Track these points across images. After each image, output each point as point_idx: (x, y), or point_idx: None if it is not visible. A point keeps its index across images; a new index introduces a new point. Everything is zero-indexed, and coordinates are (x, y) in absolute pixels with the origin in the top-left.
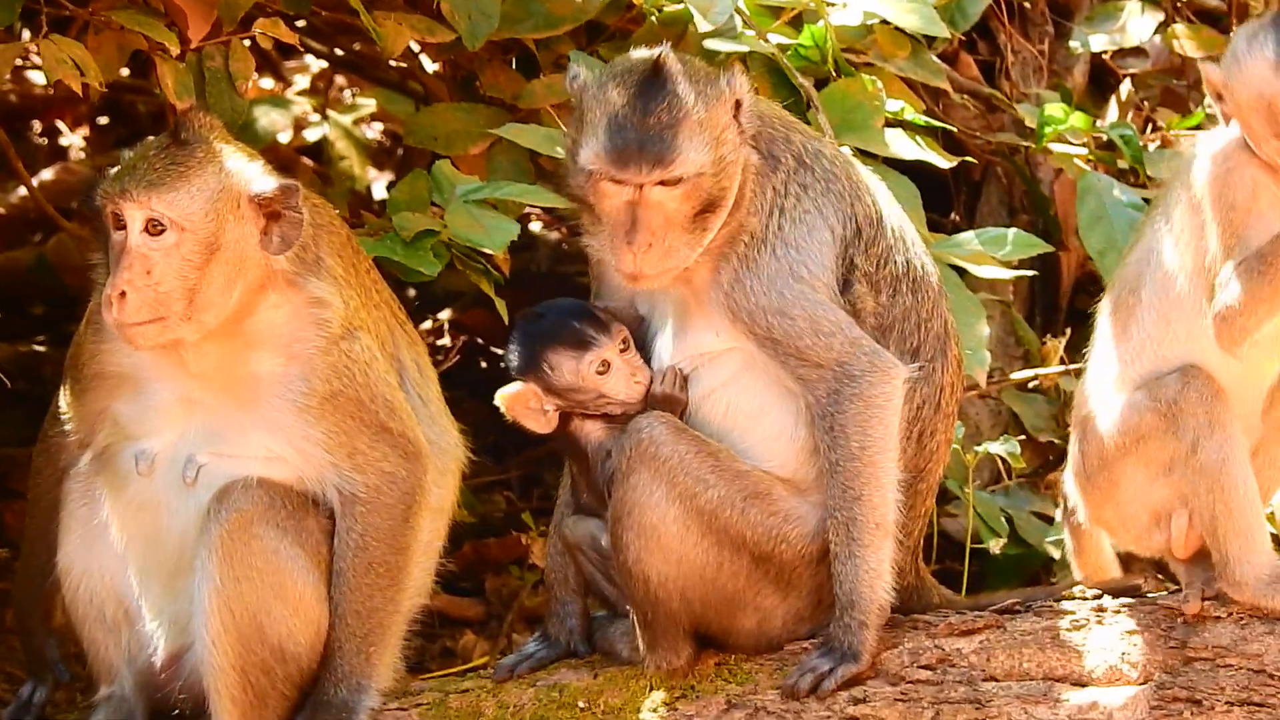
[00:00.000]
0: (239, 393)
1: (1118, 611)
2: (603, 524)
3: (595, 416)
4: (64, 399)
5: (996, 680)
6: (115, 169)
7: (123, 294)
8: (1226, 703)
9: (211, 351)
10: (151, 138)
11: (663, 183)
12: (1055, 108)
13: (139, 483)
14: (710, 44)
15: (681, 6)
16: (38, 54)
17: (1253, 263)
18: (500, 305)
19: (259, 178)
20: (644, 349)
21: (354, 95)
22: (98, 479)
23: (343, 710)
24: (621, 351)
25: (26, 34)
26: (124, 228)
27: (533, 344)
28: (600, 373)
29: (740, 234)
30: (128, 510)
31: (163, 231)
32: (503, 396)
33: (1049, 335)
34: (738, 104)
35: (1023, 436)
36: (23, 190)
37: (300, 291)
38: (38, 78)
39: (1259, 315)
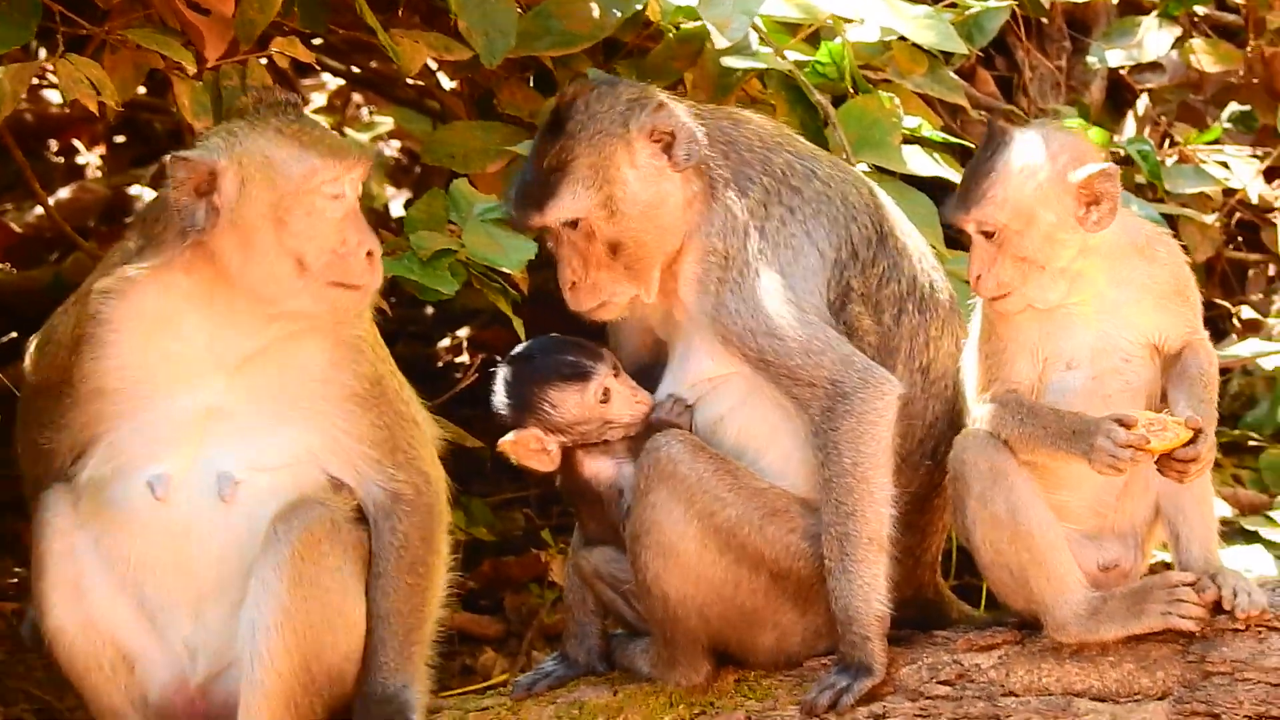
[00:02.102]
0: (278, 388)
1: None
2: (614, 550)
3: (597, 446)
4: (44, 423)
5: (1015, 695)
6: None
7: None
8: (1245, 717)
9: (251, 337)
10: None
11: (565, 224)
12: (1073, 123)
13: (155, 511)
14: (727, 61)
15: (699, 24)
16: (54, 73)
17: (1018, 405)
18: (518, 324)
19: None
20: (660, 374)
21: (371, 113)
22: (78, 532)
23: (395, 703)
24: (615, 375)
25: (43, 53)
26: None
27: (529, 386)
28: (603, 401)
29: (709, 257)
30: (142, 543)
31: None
32: (506, 443)
33: None
34: (670, 136)
35: None
36: (39, 209)
37: None
38: (54, 97)
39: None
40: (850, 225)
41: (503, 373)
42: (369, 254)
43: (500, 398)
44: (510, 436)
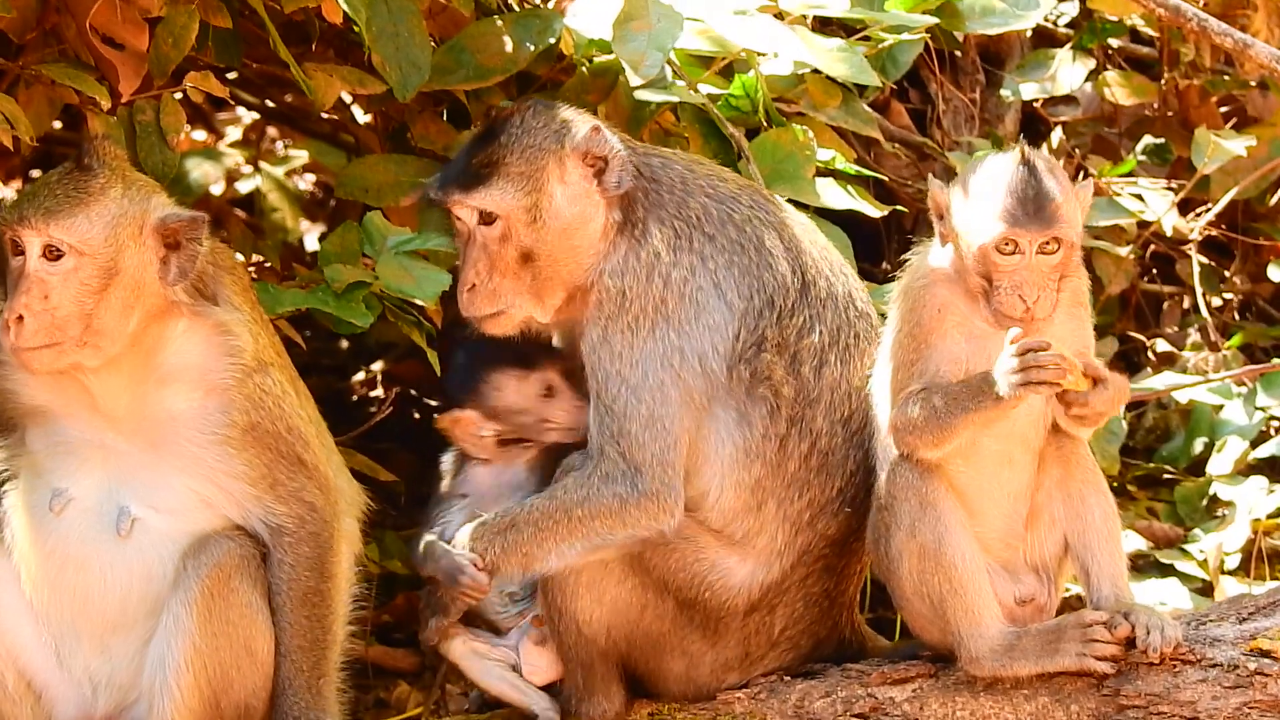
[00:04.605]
0: (154, 434)
1: None
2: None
3: (534, 446)
4: None
5: None
6: (16, 196)
7: (20, 318)
8: None
9: (122, 390)
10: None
11: (483, 221)
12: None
13: (54, 528)
14: (641, 95)
15: (612, 57)
16: None
17: (936, 401)
18: (432, 356)
19: (163, 206)
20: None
21: (286, 147)
22: None
23: None
24: (564, 378)
25: None
26: (23, 253)
27: (477, 365)
28: (544, 396)
29: (603, 293)
30: (45, 560)
31: (60, 256)
32: (446, 419)
33: None
34: (603, 162)
35: None
36: None
37: (206, 320)
38: None
39: (925, 445)
40: (764, 274)
41: (459, 350)
42: (19, 318)
43: (449, 375)
44: (451, 413)
